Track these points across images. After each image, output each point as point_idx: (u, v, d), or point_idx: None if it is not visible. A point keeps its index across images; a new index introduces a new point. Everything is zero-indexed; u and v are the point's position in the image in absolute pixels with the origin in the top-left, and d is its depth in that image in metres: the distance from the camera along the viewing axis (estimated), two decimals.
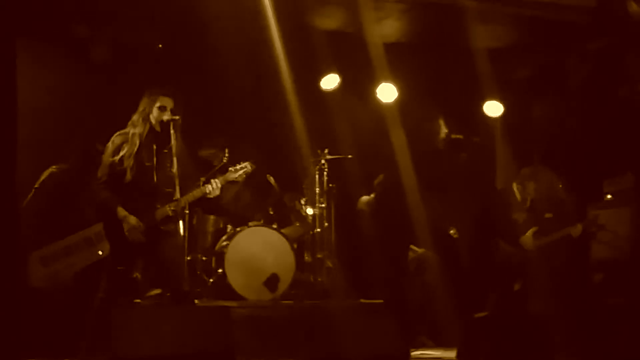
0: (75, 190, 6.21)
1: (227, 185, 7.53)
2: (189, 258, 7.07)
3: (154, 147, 5.60)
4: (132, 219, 5.47)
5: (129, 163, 5.50)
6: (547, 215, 7.58)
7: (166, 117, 5.57)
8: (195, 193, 5.67)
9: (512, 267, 7.38)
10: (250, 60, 7.67)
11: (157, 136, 5.61)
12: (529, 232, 7.39)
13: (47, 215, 6.12)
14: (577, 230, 7.13)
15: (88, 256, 6.15)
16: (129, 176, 5.50)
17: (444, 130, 7.61)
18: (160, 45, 7.80)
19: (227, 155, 7.08)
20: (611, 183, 7.44)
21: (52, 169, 6.29)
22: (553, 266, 7.18)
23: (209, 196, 5.73)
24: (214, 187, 5.70)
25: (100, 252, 6.13)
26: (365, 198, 7.98)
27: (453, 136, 7.57)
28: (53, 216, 6.14)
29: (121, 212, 5.48)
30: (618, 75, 7.49)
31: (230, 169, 5.99)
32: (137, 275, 6.57)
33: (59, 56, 7.49)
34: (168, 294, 5.97)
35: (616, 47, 7.53)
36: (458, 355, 5.39)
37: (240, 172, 5.97)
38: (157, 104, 5.59)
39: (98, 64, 7.50)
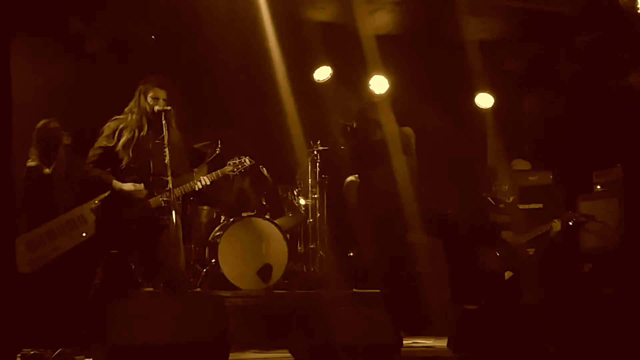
0: (45, 181, 6.23)
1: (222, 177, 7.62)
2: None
3: (150, 134, 5.65)
4: (129, 185, 5.53)
5: (126, 149, 5.55)
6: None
7: (158, 107, 5.62)
8: (185, 188, 5.71)
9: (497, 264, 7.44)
10: (244, 52, 7.70)
11: (151, 124, 5.66)
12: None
13: (25, 207, 6.15)
14: (556, 226, 7.17)
15: (72, 239, 6.15)
16: (124, 163, 5.55)
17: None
18: (153, 37, 7.81)
19: (219, 146, 7.17)
20: (600, 174, 7.50)
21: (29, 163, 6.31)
22: (541, 258, 7.24)
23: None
24: (203, 183, 5.76)
25: (84, 234, 6.14)
26: (350, 178, 8.02)
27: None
28: (30, 207, 6.16)
29: (117, 184, 5.53)
30: (608, 67, 7.53)
31: (229, 162, 6.07)
32: (132, 265, 6.60)
33: (54, 49, 7.47)
34: (161, 285, 6.02)
35: (606, 40, 7.58)
36: (449, 344, 5.42)
37: (239, 166, 6.06)
38: (150, 94, 5.64)
39: (93, 57, 7.52)
